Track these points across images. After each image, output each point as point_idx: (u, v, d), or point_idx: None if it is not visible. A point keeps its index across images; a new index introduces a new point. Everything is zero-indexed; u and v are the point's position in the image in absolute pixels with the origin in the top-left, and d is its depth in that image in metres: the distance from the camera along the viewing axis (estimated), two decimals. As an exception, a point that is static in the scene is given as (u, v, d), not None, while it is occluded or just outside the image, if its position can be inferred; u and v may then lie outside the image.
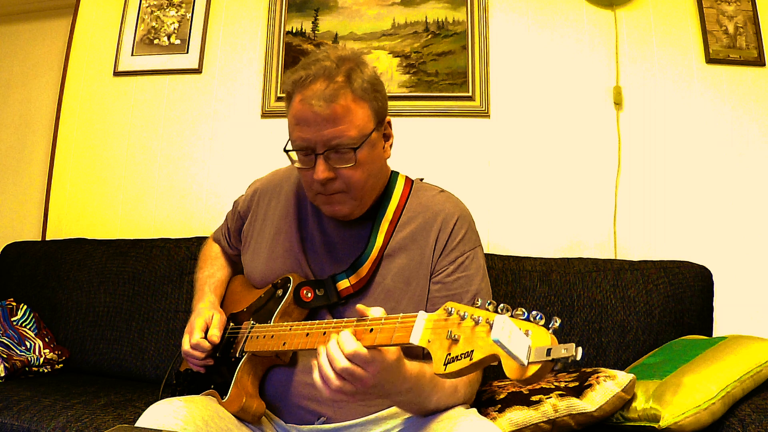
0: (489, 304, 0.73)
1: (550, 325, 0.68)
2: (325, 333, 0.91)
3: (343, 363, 0.82)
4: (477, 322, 0.72)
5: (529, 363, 0.65)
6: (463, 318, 0.75)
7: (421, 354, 0.95)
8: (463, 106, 2.05)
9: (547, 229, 1.96)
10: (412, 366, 0.91)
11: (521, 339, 0.66)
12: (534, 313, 0.69)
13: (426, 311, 0.82)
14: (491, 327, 0.68)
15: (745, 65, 1.96)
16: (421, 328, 0.80)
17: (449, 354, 0.74)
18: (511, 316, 0.70)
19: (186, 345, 1.16)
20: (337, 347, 0.83)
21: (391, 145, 1.15)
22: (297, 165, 1.09)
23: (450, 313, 0.77)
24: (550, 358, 0.63)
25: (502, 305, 0.71)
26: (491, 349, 0.69)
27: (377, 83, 1.08)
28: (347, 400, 0.90)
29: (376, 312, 0.88)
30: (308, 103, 1.01)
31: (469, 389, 1.06)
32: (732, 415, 1.12)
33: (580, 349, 0.63)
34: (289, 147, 1.07)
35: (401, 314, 0.84)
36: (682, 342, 1.44)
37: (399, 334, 0.82)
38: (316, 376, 0.85)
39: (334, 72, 1.02)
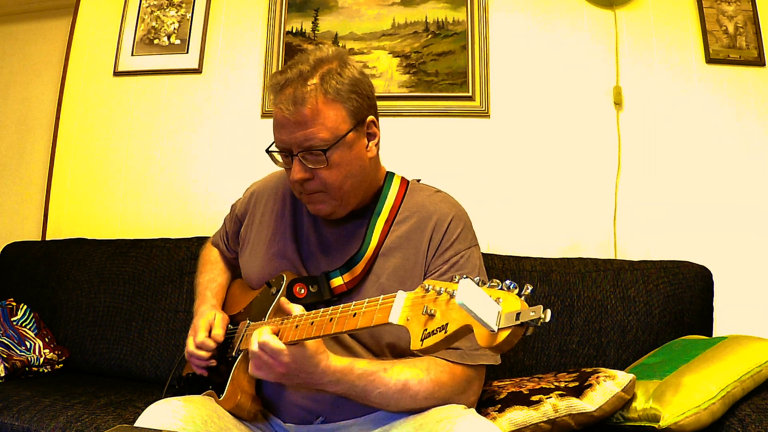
0: (465, 277, 0.71)
1: (522, 292, 0.68)
2: (312, 323, 0.91)
3: (253, 347, 0.92)
4: (452, 295, 0.72)
5: (499, 329, 0.65)
6: (439, 293, 0.75)
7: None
8: (463, 106, 2.05)
9: (547, 229, 1.96)
10: (338, 361, 0.96)
11: (490, 305, 0.66)
12: (507, 282, 0.69)
13: None
14: (454, 293, 0.68)
15: (745, 65, 1.96)
16: (400, 308, 0.80)
17: (425, 329, 0.74)
18: (488, 287, 0.70)
19: (191, 345, 1.16)
20: (255, 336, 0.93)
21: (376, 144, 1.13)
22: (279, 166, 1.12)
23: (427, 290, 0.77)
24: (518, 322, 0.64)
25: (477, 278, 0.71)
26: (465, 320, 0.69)
27: (359, 84, 1.07)
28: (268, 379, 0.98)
29: (296, 310, 0.96)
30: (279, 108, 1.04)
31: (442, 393, 1.00)
32: (732, 415, 1.12)
33: (548, 311, 0.63)
34: (273, 148, 1.09)
35: (382, 296, 0.85)
36: (682, 342, 1.44)
37: (379, 315, 0.82)
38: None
39: (307, 75, 1.03)
